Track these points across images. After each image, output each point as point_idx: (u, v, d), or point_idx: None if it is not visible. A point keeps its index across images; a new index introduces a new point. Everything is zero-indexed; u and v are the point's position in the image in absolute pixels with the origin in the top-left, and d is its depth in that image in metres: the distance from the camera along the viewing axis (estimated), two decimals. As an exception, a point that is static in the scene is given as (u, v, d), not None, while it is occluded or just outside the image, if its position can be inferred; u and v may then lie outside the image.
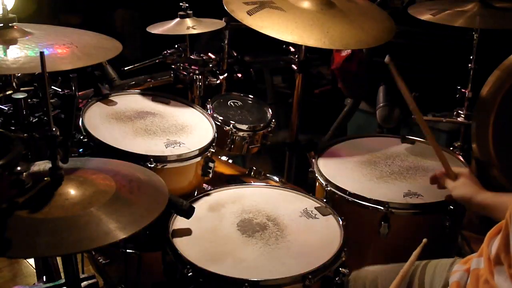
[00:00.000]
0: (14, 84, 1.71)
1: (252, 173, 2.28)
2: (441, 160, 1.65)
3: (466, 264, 1.34)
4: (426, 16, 2.18)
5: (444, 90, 2.48)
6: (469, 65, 2.30)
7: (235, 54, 2.48)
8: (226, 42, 2.43)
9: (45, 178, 1.15)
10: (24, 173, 1.13)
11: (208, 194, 1.72)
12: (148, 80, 2.43)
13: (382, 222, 1.69)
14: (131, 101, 2.08)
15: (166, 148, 1.79)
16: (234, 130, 2.10)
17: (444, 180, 1.62)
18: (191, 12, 2.23)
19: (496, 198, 1.50)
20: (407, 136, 2.08)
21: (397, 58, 1.54)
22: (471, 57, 2.29)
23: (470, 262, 1.32)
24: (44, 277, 1.86)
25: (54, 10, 4.24)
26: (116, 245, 1.64)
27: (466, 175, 1.59)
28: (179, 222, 1.55)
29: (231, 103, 2.29)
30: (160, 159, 1.71)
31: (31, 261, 2.55)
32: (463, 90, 2.31)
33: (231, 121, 2.11)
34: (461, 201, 1.58)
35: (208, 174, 1.88)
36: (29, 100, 1.54)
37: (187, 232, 1.52)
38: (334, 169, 1.88)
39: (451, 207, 1.68)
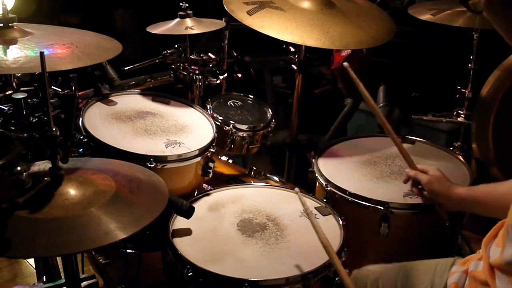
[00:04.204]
0: (14, 84, 1.72)
1: (252, 173, 2.28)
2: (402, 154, 1.65)
3: (465, 265, 1.34)
4: (426, 16, 2.18)
5: (444, 90, 2.48)
6: (469, 65, 2.30)
7: (235, 54, 2.48)
8: (226, 42, 2.43)
9: (45, 178, 1.15)
10: (24, 173, 1.12)
11: (208, 194, 1.72)
12: (148, 80, 2.43)
13: (382, 222, 1.69)
14: (131, 101, 2.07)
15: (166, 148, 1.79)
16: (234, 130, 2.10)
17: (415, 174, 1.62)
18: (191, 12, 2.23)
19: (472, 192, 1.48)
20: (407, 136, 2.08)
21: (397, 58, 1.54)
22: (471, 57, 2.29)
23: (469, 264, 1.32)
24: (44, 277, 1.86)
25: (54, 10, 4.25)
26: (116, 245, 1.63)
27: (436, 170, 1.59)
28: (179, 222, 1.55)
29: (231, 103, 2.29)
30: (160, 159, 1.71)
31: (31, 261, 2.55)
32: (463, 90, 2.32)
33: (231, 121, 2.11)
34: (437, 195, 1.57)
35: (208, 174, 1.88)
36: (29, 100, 1.54)
37: (187, 232, 1.52)
38: (334, 169, 1.88)
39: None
